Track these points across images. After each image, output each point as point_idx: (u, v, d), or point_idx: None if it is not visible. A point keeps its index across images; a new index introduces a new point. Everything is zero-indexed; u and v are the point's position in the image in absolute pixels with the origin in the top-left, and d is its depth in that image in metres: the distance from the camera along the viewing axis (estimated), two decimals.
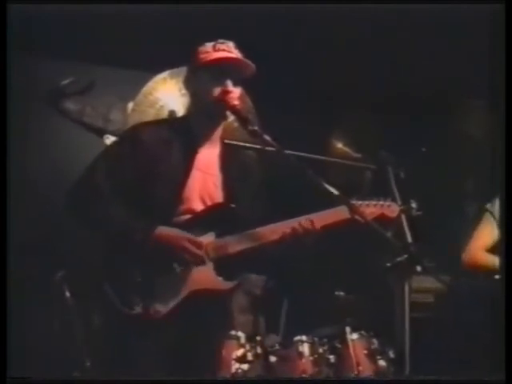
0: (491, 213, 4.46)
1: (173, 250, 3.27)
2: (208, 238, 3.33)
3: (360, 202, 3.42)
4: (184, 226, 3.33)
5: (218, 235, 3.35)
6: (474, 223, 4.60)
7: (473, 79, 5.11)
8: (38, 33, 4.50)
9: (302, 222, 3.36)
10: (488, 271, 4.35)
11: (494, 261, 4.36)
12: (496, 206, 4.45)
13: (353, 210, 3.25)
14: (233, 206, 3.38)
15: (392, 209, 3.49)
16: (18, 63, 3.32)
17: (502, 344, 3.13)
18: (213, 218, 3.36)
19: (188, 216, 3.37)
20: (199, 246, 3.29)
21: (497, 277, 4.24)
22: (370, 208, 3.43)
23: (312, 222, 3.36)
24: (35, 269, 4.48)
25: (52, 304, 4.31)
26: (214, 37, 3.43)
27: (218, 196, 3.45)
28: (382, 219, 3.41)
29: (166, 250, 3.26)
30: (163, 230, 3.28)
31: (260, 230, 3.36)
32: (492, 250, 4.44)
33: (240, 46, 3.43)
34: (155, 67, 4.49)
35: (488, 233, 4.47)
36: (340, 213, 3.34)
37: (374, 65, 5.35)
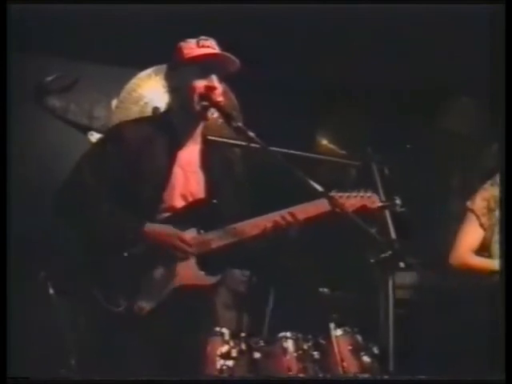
0: (473, 211, 4.39)
1: (161, 246, 3.28)
2: (190, 234, 3.33)
3: (340, 194, 3.42)
4: (166, 223, 3.34)
5: (201, 231, 3.35)
6: (457, 223, 4.51)
7: (472, 79, 5.13)
8: (22, 30, 4.50)
9: (283, 215, 3.36)
10: (478, 274, 4.30)
11: (483, 263, 4.30)
12: (477, 204, 4.40)
13: (333, 202, 3.26)
14: (214, 201, 3.38)
15: (373, 200, 3.49)
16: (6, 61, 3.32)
17: (502, 344, 3.14)
18: (195, 214, 3.37)
19: (170, 213, 3.38)
20: (188, 243, 3.30)
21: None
22: (351, 200, 3.43)
23: (293, 214, 3.36)
24: (22, 268, 4.47)
25: (38, 303, 4.30)
26: (197, 33, 3.44)
27: (200, 193, 3.46)
28: (363, 211, 3.41)
29: (155, 246, 3.27)
30: (152, 227, 3.28)
31: (241, 224, 3.37)
32: (479, 250, 4.35)
33: (224, 43, 3.43)
34: (139, 64, 4.50)
35: (473, 232, 4.37)
36: (321, 205, 3.35)
37: (363, 63, 5.37)
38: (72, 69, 4.84)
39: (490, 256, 4.32)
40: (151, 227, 3.29)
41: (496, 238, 4.30)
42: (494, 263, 4.22)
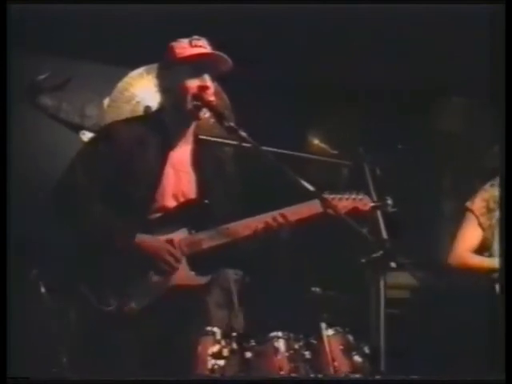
0: (472, 211, 4.40)
1: (152, 258, 3.29)
2: (181, 234, 3.34)
3: (332, 196, 3.42)
4: (158, 223, 3.35)
5: (192, 231, 3.36)
6: (455, 223, 4.52)
7: (472, 79, 5.12)
8: (22, 30, 4.52)
9: (275, 216, 3.36)
10: (477, 273, 4.30)
11: (483, 262, 4.30)
12: (476, 204, 4.41)
13: (325, 203, 3.26)
14: (206, 201, 3.38)
15: (364, 202, 3.49)
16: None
17: (502, 344, 3.13)
18: (186, 214, 3.37)
19: (161, 213, 3.38)
20: (177, 257, 3.31)
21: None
22: (343, 202, 3.44)
23: (285, 216, 3.36)
24: (22, 268, 4.48)
25: (34, 302, 4.31)
26: (195, 34, 3.45)
27: (192, 193, 3.46)
28: (355, 213, 3.41)
29: (145, 257, 3.29)
30: (142, 239, 3.29)
31: (233, 225, 3.37)
32: (478, 250, 4.35)
33: (222, 43, 3.42)
34: (132, 63, 4.50)
35: (472, 232, 4.37)
36: (313, 207, 3.35)
37: (362, 63, 5.37)
38: (65, 68, 4.86)
39: (490, 256, 4.32)
40: (141, 238, 3.29)
41: (497, 238, 4.29)
42: (494, 262, 4.22)
